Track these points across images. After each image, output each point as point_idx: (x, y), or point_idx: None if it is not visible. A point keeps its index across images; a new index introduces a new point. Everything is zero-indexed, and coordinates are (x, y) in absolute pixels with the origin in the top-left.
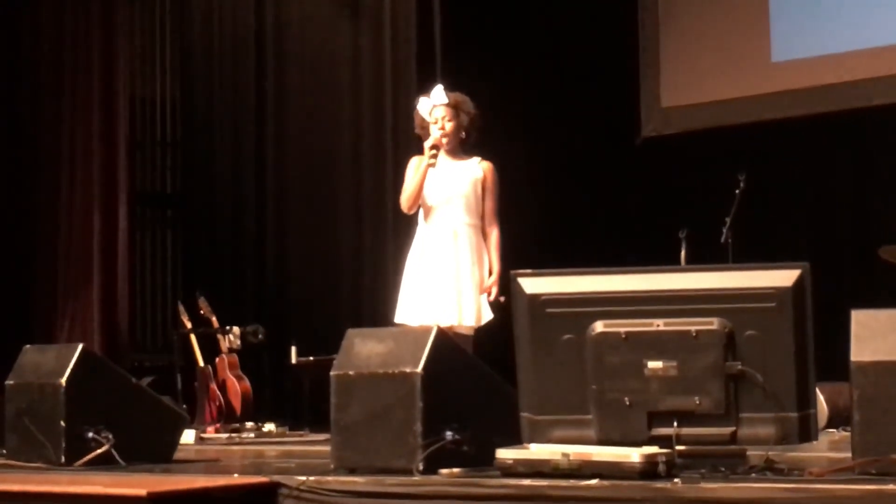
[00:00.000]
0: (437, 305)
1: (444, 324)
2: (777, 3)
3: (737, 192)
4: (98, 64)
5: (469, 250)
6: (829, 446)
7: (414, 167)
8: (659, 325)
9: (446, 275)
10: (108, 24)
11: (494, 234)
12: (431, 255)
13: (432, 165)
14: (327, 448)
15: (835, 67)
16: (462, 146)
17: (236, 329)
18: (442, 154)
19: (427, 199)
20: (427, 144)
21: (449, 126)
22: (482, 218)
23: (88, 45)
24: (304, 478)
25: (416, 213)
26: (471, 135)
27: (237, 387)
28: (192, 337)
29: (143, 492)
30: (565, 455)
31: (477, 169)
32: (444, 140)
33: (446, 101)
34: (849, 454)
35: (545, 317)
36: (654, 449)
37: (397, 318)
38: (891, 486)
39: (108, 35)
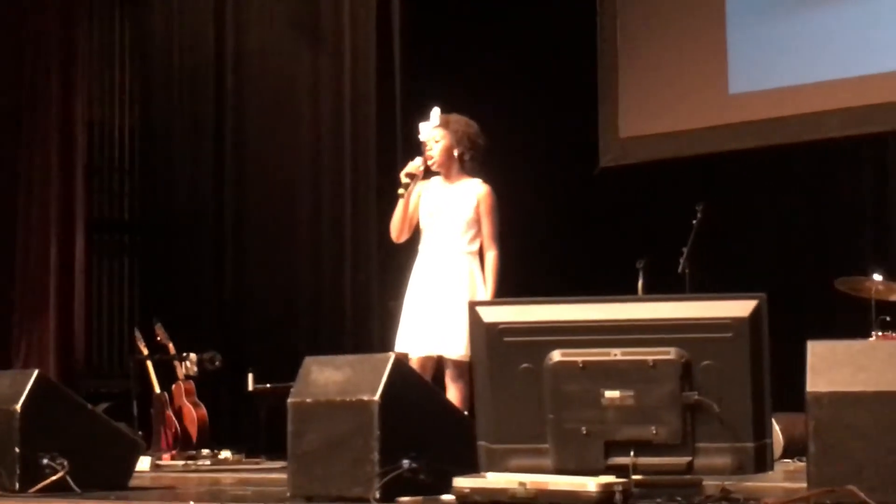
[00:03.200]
0: (431, 335)
1: (436, 353)
2: (734, 35)
3: (694, 222)
4: (56, 89)
5: (461, 277)
6: (785, 476)
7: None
8: (616, 354)
9: (436, 303)
10: (67, 50)
11: (490, 258)
12: (424, 282)
13: (401, 196)
14: (284, 476)
15: (791, 99)
16: (461, 167)
17: (193, 356)
18: (439, 178)
19: (422, 224)
20: (403, 171)
21: (437, 148)
22: (481, 242)
23: (47, 70)
24: None
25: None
26: (465, 154)
27: (193, 414)
28: (149, 363)
29: None
30: (522, 484)
31: (472, 192)
32: (431, 163)
33: (437, 122)
34: (804, 484)
35: (502, 345)
36: (610, 478)
37: (396, 347)
38: None
39: (67, 60)
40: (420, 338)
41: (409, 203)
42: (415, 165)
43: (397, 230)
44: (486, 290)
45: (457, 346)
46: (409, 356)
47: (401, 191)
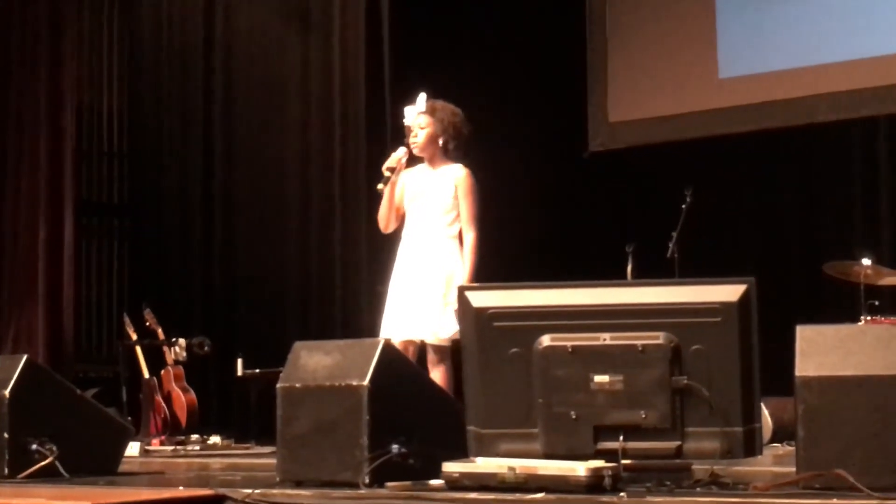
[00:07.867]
0: (412, 320)
1: (420, 338)
2: (724, 20)
3: (683, 206)
4: (45, 73)
5: (443, 261)
6: (774, 461)
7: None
8: (605, 339)
9: (417, 287)
10: (56, 33)
11: (469, 240)
12: (406, 267)
13: (381, 191)
14: (273, 461)
15: (780, 84)
16: (444, 154)
17: (182, 341)
18: (423, 164)
19: (405, 209)
20: (384, 166)
21: (423, 134)
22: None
23: (35, 54)
24: (249, 490)
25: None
26: (449, 142)
27: (182, 399)
28: (138, 348)
29: None
30: (511, 469)
31: (451, 176)
32: (415, 149)
33: (423, 108)
34: (793, 469)
35: (492, 330)
36: (600, 463)
37: (381, 333)
38: (834, 501)
39: (56, 44)
40: (401, 322)
41: (395, 194)
42: (395, 158)
43: (384, 221)
44: (464, 276)
45: (436, 330)
46: (391, 340)
47: (380, 186)
